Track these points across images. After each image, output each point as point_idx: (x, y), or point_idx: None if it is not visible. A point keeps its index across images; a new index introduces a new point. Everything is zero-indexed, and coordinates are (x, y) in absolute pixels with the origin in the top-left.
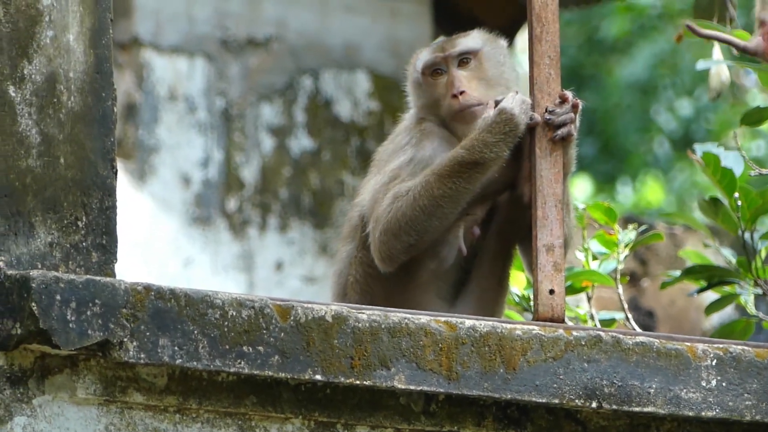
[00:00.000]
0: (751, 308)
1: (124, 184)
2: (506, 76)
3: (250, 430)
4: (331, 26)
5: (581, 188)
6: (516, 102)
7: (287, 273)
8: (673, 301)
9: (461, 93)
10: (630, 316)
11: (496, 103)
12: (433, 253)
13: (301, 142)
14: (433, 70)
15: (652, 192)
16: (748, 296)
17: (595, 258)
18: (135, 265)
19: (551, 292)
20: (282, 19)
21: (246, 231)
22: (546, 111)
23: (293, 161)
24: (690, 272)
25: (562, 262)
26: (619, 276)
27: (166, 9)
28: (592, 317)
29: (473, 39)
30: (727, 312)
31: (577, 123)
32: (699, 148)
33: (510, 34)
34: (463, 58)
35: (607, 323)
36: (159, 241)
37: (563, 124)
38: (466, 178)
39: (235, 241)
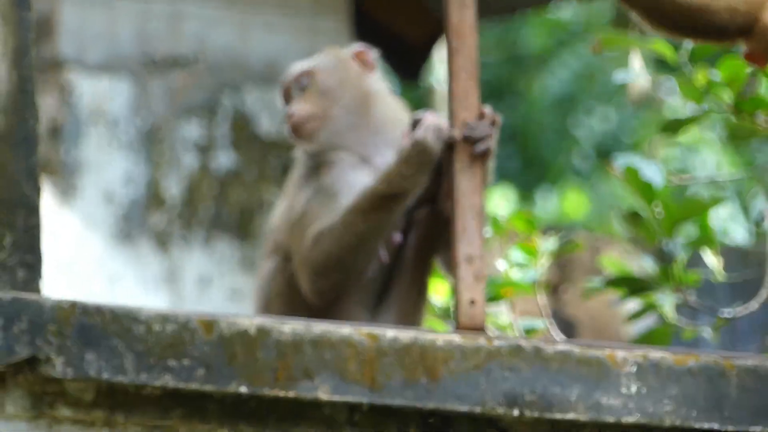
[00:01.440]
0: (672, 316)
1: (49, 203)
2: (350, 80)
3: None
4: (252, 44)
5: (504, 199)
6: (430, 131)
7: (212, 287)
8: (594, 309)
9: (290, 116)
10: (552, 324)
11: (414, 123)
12: None
13: (224, 159)
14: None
15: (574, 202)
16: (669, 304)
17: (516, 267)
18: (62, 283)
19: (472, 302)
20: (203, 38)
21: (170, 247)
22: (465, 127)
23: (216, 177)
24: (611, 282)
25: (481, 273)
26: (540, 285)
27: (89, 29)
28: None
29: (306, 61)
30: (648, 320)
31: (496, 138)
32: (619, 161)
33: (429, 48)
34: (302, 82)
35: (528, 331)
36: (85, 259)
37: (482, 140)
38: (388, 210)
39: (160, 257)
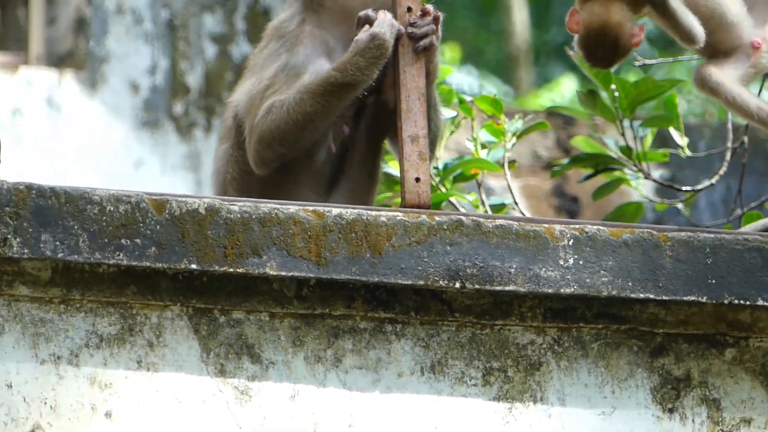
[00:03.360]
0: (642, 191)
1: (76, 93)
2: None
3: (131, 318)
4: None
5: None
6: (386, 26)
7: None
8: (595, 187)
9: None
10: (518, 201)
11: (368, 22)
12: (305, 152)
13: (242, 49)
14: None
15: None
16: (637, 180)
17: (484, 147)
18: (89, 168)
19: (417, 180)
20: None
21: (192, 133)
22: (408, 24)
23: (235, 66)
24: (577, 160)
25: (426, 152)
26: (507, 163)
27: None
28: (483, 203)
29: None
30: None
31: (439, 33)
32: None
33: None
34: None
35: (497, 208)
36: (111, 145)
37: (425, 36)
38: (338, 97)
39: (183, 143)
